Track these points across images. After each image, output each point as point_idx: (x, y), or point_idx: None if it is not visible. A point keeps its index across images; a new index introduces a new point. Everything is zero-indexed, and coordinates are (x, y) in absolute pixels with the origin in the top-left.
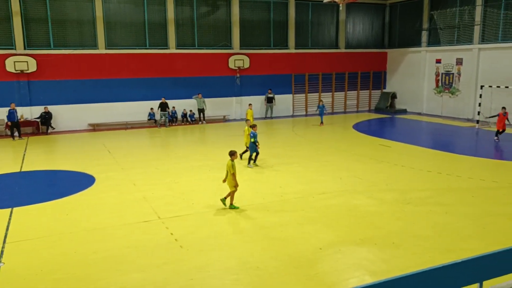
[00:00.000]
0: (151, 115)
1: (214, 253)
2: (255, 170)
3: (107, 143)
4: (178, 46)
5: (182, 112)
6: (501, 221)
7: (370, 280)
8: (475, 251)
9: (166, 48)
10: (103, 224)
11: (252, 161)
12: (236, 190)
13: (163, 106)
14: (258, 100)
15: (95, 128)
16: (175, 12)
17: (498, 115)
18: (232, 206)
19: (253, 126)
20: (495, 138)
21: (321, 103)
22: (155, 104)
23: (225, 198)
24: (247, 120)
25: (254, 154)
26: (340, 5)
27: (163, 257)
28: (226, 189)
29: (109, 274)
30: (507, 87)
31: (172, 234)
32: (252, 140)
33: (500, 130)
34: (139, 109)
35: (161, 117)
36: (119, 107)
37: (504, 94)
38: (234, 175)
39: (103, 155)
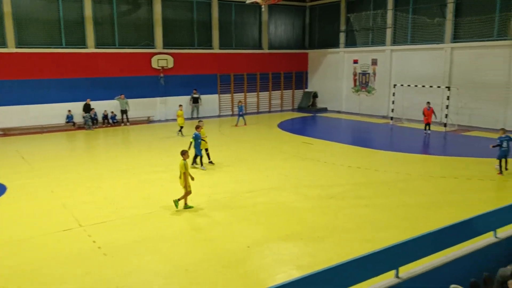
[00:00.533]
0: (69, 118)
1: (141, 259)
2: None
3: (21, 148)
4: (98, 45)
5: (103, 114)
6: (414, 210)
7: (297, 274)
8: (391, 240)
9: (85, 48)
10: (17, 236)
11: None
12: (188, 191)
13: (87, 108)
14: (183, 101)
15: (6, 133)
16: (93, 9)
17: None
18: (186, 206)
19: (197, 127)
20: (425, 132)
21: (240, 104)
22: (73, 106)
23: (179, 199)
24: (200, 121)
25: (200, 155)
26: (262, 6)
27: (86, 266)
28: (150, 193)
29: None
30: (416, 85)
31: (94, 241)
32: (191, 140)
33: (426, 123)
34: (55, 112)
35: (85, 118)
36: (33, 109)
37: (413, 92)
38: (185, 174)
39: (16, 161)
